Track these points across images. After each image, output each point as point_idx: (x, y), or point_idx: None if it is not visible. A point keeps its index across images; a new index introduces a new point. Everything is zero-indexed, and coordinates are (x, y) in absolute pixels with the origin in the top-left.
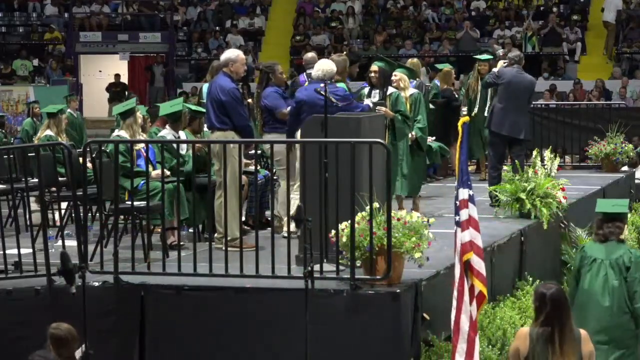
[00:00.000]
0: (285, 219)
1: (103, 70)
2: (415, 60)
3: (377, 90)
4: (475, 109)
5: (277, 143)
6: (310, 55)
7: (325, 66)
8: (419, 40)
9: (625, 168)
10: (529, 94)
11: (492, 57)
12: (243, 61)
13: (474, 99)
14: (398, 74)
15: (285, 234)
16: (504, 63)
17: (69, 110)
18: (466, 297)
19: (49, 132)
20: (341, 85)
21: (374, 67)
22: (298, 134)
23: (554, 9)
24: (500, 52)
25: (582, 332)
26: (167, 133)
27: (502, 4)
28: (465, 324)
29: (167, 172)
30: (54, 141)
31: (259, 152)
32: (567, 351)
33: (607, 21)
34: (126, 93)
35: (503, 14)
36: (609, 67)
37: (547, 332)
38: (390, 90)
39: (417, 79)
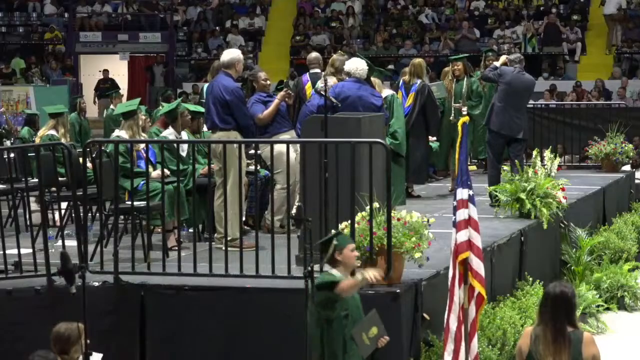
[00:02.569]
0: (277, 216)
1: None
2: (417, 60)
3: None
4: (451, 116)
5: (277, 143)
6: (314, 55)
7: (360, 65)
8: (419, 40)
9: (627, 168)
10: (529, 94)
11: (466, 55)
12: (243, 61)
13: (449, 102)
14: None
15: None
16: (507, 59)
17: (111, 107)
18: (456, 298)
19: (51, 132)
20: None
21: None
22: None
23: (554, 9)
24: (506, 47)
25: (587, 334)
26: (169, 133)
27: (502, 4)
28: (453, 324)
29: (167, 172)
30: (55, 141)
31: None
32: (558, 351)
33: (608, 14)
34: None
35: (503, 14)
36: (609, 67)
37: (542, 330)
38: None
39: (420, 80)
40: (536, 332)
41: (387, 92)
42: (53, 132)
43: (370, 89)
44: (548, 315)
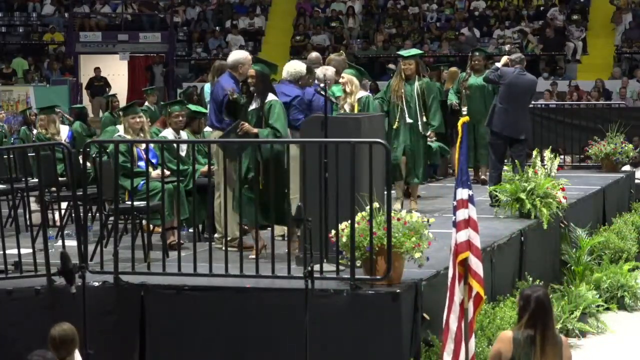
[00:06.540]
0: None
1: (103, 71)
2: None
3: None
4: (406, 118)
5: (276, 143)
6: (315, 55)
7: (291, 68)
8: (419, 40)
9: (627, 168)
10: (530, 94)
11: (419, 53)
12: (250, 63)
13: (398, 105)
14: (346, 76)
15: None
16: (508, 59)
17: (146, 104)
18: (456, 298)
19: (36, 130)
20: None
21: (251, 70)
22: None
23: (554, 9)
24: (507, 47)
25: (563, 337)
26: (168, 133)
27: (502, 4)
28: (453, 324)
29: (167, 172)
30: (43, 138)
31: None
32: (548, 354)
33: None
34: (107, 89)
35: (503, 14)
36: (609, 67)
37: (531, 335)
38: (271, 97)
39: None
40: (520, 337)
41: (362, 93)
42: (38, 130)
43: (282, 87)
44: (541, 319)
